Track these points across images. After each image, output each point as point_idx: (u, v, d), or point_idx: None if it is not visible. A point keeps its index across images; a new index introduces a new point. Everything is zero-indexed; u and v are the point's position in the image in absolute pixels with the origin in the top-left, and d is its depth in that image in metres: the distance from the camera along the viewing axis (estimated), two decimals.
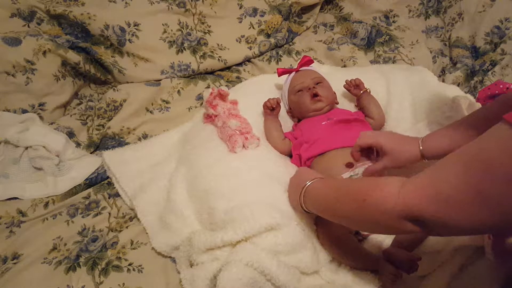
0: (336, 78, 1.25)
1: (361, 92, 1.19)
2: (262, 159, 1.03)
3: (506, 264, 0.79)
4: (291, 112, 1.23)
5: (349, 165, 0.98)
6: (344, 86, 1.22)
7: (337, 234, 0.89)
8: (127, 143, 1.26)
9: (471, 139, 0.61)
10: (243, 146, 1.03)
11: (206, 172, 0.99)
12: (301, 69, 1.24)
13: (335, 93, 1.20)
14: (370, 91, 1.19)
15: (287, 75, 1.26)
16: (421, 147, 0.86)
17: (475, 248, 0.85)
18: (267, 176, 0.98)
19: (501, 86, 1.23)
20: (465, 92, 1.24)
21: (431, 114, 1.09)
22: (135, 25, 1.43)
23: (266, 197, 0.92)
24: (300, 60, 1.27)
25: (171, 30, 1.50)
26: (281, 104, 1.19)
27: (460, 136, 0.82)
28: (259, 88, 1.33)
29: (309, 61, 1.26)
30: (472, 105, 1.01)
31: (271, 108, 1.14)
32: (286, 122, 1.21)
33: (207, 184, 0.96)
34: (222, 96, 1.12)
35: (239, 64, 1.61)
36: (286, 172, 1.03)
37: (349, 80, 1.21)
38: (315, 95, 1.12)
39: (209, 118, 1.14)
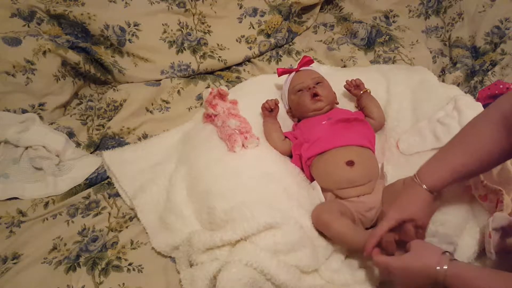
0: (336, 79, 1.25)
1: (361, 92, 1.19)
2: (261, 159, 1.04)
3: (506, 263, 0.79)
4: (291, 112, 1.23)
5: (350, 163, 0.98)
6: (344, 86, 1.22)
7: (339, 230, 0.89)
8: (127, 143, 1.26)
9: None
10: (243, 145, 1.03)
11: (206, 172, 1.00)
12: (301, 69, 1.24)
13: (335, 93, 1.20)
14: (370, 92, 1.19)
15: (287, 75, 1.26)
16: (424, 187, 0.81)
17: (475, 248, 0.85)
18: (266, 175, 0.98)
19: (501, 86, 1.23)
20: (465, 92, 1.24)
21: (431, 114, 1.09)
22: (135, 25, 1.43)
23: (265, 197, 0.92)
24: (300, 60, 1.27)
25: (171, 30, 1.50)
26: (281, 104, 1.18)
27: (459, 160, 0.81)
28: (259, 88, 1.33)
29: (309, 61, 1.26)
30: (472, 105, 1.01)
31: (269, 110, 1.14)
32: (286, 122, 1.21)
33: (207, 184, 0.96)
34: (222, 96, 1.12)
35: (239, 64, 1.60)
36: (285, 171, 1.03)
37: (350, 80, 1.21)
38: (315, 94, 1.12)
39: (209, 117, 1.14)
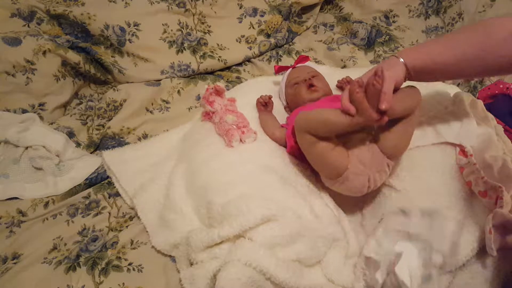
0: (335, 79, 1.27)
1: None
2: (259, 152, 1.03)
3: (506, 261, 0.79)
4: (288, 107, 1.24)
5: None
6: (336, 85, 1.26)
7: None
8: (127, 143, 1.26)
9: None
10: (240, 140, 1.03)
11: (204, 168, 1.00)
12: (297, 65, 1.26)
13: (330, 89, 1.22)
14: None
15: (285, 73, 1.27)
16: (401, 60, 0.85)
17: (474, 245, 0.85)
18: (263, 167, 0.98)
19: (501, 86, 1.23)
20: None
21: (433, 109, 1.09)
22: (135, 25, 1.44)
23: (262, 189, 0.91)
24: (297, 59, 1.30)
25: (171, 30, 1.50)
26: (279, 99, 1.19)
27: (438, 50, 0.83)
28: (257, 87, 1.33)
29: (305, 59, 1.28)
30: (474, 103, 1.01)
31: (263, 104, 1.16)
32: (283, 119, 1.21)
33: (205, 179, 0.97)
34: (219, 92, 1.13)
35: (239, 64, 1.61)
36: (282, 162, 1.02)
37: (340, 79, 1.25)
38: (311, 85, 1.14)
39: (207, 115, 1.14)
